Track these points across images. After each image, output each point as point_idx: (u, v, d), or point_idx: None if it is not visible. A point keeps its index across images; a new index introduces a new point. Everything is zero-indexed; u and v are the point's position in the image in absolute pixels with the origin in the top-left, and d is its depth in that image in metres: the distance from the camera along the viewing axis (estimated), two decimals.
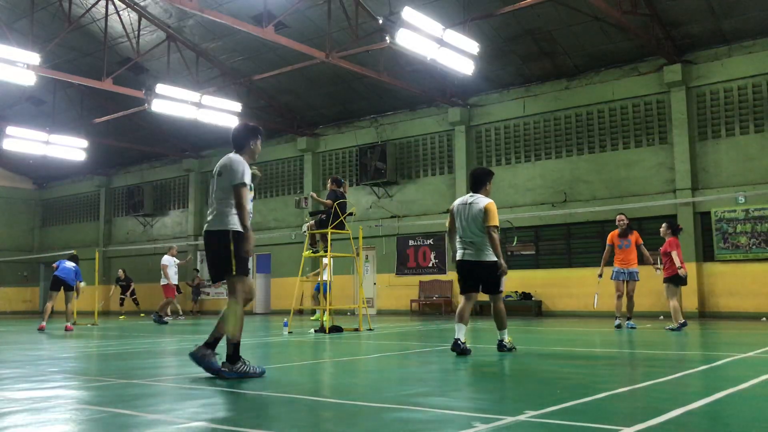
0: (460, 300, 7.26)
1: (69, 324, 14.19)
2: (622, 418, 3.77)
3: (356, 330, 11.89)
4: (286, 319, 12.57)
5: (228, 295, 5.42)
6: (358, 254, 13.45)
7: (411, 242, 21.86)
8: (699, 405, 3.96)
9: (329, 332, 11.23)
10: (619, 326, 11.68)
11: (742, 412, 3.88)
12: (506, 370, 6.05)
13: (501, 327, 7.29)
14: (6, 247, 32.36)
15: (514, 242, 18.30)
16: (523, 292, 19.09)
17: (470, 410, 3.93)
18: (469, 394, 4.76)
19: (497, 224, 7.00)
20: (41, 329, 13.83)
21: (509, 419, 3.55)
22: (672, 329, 11.07)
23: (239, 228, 5.32)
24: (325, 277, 13.32)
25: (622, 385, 4.93)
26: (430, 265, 21.37)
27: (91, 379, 5.86)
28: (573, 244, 18.94)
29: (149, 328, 14.88)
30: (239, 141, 5.71)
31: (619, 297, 11.97)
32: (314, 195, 12.65)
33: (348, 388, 5.24)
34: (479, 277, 7.13)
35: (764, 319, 15.10)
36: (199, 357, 5.28)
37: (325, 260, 17.71)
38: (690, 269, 16.64)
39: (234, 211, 5.35)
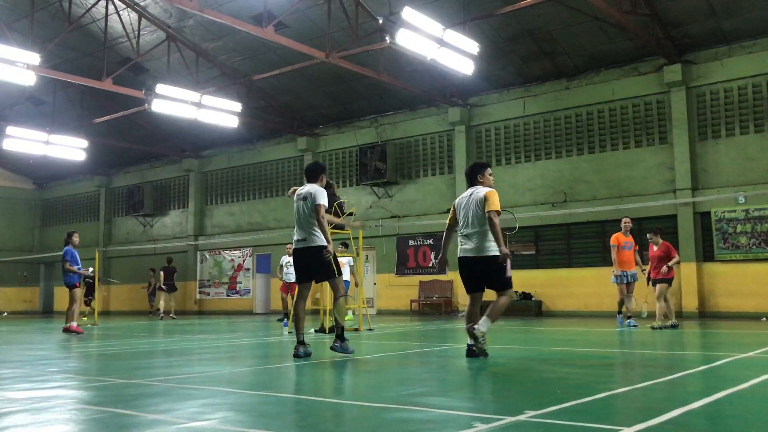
0: (467, 300, 6.89)
1: (68, 325, 12.94)
2: (622, 418, 3.77)
3: (356, 330, 11.88)
4: (285, 320, 12.58)
5: (337, 293, 7.08)
6: (358, 254, 13.45)
7: (411, 242, 21.86)
8: (699, 405, 3.96)
9: (329, 332, 11.23)
10: (635, 326, 11.86)
11: (742, 412, 3.88)
12: (506, 370, 6.05)
13: (489, 315, 6.55)
14: (6, 247, 32.36)
15: (515, 230, 17.92)
16: (523, 292, 19.09)
17: (470, 410, 3.93)
18: (469, 394, 4.76)
19: (498, 209, 6.56)
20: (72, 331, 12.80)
21: (509, 419, 3.54)
22: (664, 327, 11.32)
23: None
24: (347, 277, 13.28)
25: (622, 385, 4.93)
26: (430, 265, 21.36)
27: (91, 379, 5.87)
28: (573, 244, 18.94)
29: (148, 329, 14.88)
30: (314, 174, 7.39)
31: (627, 297, 12.12)
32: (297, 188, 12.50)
33: (348, 388, 5.24)
34: (482, 273, 6.64)
35: (764, 319, 15.10)
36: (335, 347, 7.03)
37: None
38: (690, 269, 16.77)
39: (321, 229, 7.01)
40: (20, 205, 33.94)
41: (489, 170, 7.07)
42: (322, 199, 7.05)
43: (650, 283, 12.04)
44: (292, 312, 14.09)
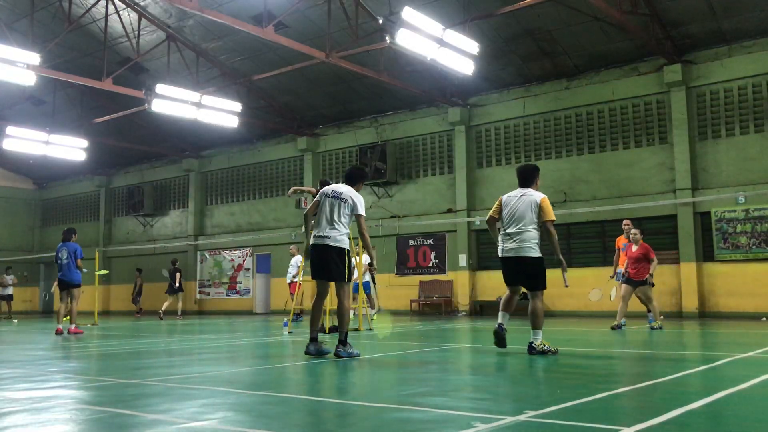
0: (505, 292, 7.53)
1: (72, 326, 12.61)
2: (622, 418, 3.77)
3: (356, 330, 11.87)
4: (285, 320, 12.59)
5: (342, 297, 6.95)
6: (357, 254, 13.43)
7: (411, 242, 21.86)
8: (699, 405, 3.96)
9: (329, 332, 11.22)
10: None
11: (742, 412, 3.88)
12: (506, 370, 6.05)
13: (535, 326, 7.04)
14: (6, 247, 32.35)
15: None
16: (523, 292, 19.03)
17: (470, 410, 3.93)
18: (469, 394, 4.75)
19: (554, 218, 6.99)
20: (60, 332, 12.40)
21: (509, 419, 3.55)
22: (658, 327, 11.28)
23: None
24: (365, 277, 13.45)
25: (622, 385, 4.93)
26: (430, 265, 21.37)
27: (91, 379, 5.86)
28: (573, 244, 18.92)
29: (148, 328, 14.87)
30: (354, 179, 7.28)
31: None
32: (297, 188, 12.43)
33: (348, 388, 5.24)
34: (522, 273, 7.13)
35: (764, 319, 15.11)
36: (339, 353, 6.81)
37: (295, 260, 17.89)
38: (690, 269, 16.78)
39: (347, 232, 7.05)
40: (20, 205, 33.94)
41: (539, 174, 7.47)
42: (363, 209, 7.12)
43: (623, 278, 11.79)
44: (292, 312, 14.17)
